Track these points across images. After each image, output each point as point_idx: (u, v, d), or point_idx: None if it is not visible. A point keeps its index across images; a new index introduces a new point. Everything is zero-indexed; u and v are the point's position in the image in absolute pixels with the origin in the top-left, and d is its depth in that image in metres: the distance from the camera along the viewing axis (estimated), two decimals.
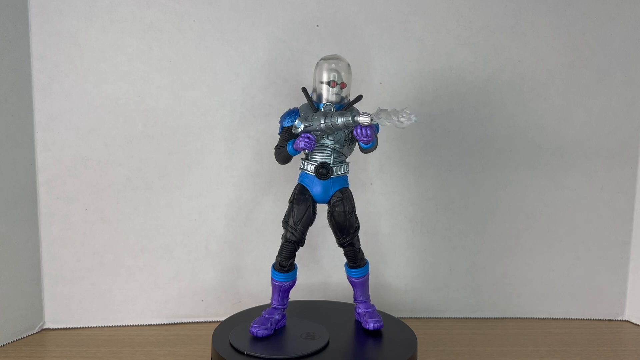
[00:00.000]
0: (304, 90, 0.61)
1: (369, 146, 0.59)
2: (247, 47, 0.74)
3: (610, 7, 0.76)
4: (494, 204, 0.79)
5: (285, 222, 0.61)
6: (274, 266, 0.62)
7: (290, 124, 0.60)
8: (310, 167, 0.60)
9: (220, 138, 0.76)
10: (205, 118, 0.75)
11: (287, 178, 0.76)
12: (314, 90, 0.61)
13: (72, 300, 0.76)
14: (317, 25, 0.75)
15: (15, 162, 0.71)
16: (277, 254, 0.62)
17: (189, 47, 0.74)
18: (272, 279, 0.63)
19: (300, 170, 0.62)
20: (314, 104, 0.60)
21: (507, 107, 0.78)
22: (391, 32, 0.76)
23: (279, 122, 0.62)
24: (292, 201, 0.61)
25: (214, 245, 0.78)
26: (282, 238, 0.62)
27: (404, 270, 0.81)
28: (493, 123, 0.78)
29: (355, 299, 0.66)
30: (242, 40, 0.74)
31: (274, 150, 0.62)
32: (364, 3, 0.75)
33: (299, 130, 0.58)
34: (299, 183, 0.62)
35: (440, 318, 0.81)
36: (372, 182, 0.79)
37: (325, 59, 0.61)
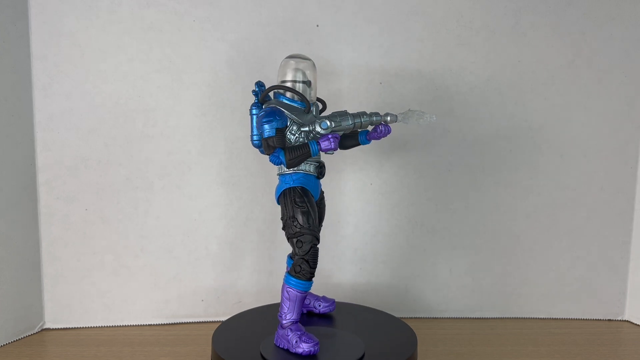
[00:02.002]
0: (295, 90, 0.58)
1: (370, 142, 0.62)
2: (247, 47, 0.74)
3: (610, 7, 0.76)
4: (494, 204, 0.79)
5: (301, 229, 0.57)
6: (296, 278, 0.57)
7: (283, 125, 0.56)
8: (311, 168, 0.59)
9: (220, 138, 0.76)
10: (205, 118, 0.75)
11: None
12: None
13: (72, 300, 0.76)
14: (317, 25, 0.75)
15: (15, 162, 0.71)
16: (297, 264, 0.57)
17: (189, 47, 0.74)
18: (296, 291, 0.57)
19: (285, 172, 0.59)
20: (310, 104, 0.58)
21: (507, 107, 0.78)
22: (391, 32, 0.76)
23: (266, 124, 0.56)
24: (306, 204, 0.58)
25: (214, 245, 0.78)
26: (302, 246, 0.57)
27: (404, 270, 0.81)
28: (493, 123, 0.78)
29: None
30: (242, 40, 0.74)
31: (283, 154, 0.56)
32: (364, 3, 0.75)
33: (328, 130, 0.57)
34: (298, 186, 0.59)
35: (440, 318, 0.81)
36: (372, 182, 0.79)
37: (298, 57, 0.59)
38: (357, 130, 0.61)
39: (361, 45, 0.76)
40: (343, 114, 0.59)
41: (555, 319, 0.82)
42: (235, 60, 0.74)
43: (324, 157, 0.61)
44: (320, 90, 0.75)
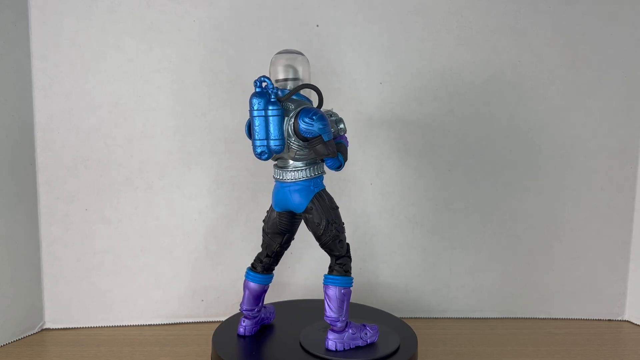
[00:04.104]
0: (318, 90, 0.56)
1: None
2: (247, 47, 0.74)
3: (610, 7, 0.76)
4: (494, 204, 0.79)
5: (341, 228, 0.57)
6: (348, 276, 0.57)
7: None
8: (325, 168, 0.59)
9: (220, 138, 0.76)
10: (205, 118, 0.75)
11: None
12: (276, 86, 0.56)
13: (72, 300, 0.76)
14: (317, 25, 0.75)
15: (15, 162, 0.71)
16: (344, 263, 0.57)
17: (189, 47, 0.74)
18: (346, 289, 0.56)
19: (316, 175, 0.57)
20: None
21: (507, 107, 0.78)
22: (391, 32, 0.76)
23: (327, 126, 0.53)
24: (335, 203, 0.57)
25: (214, 245, 0.78)
26: (343, 245, 0.57)
27: (404, 270, 0.81)
28: (493, 123, 0.78)
29: (260, 308, 0.63)
30: (242, 40, 0.74)
31: (341, 155, 0.56)
32: (364, 3, 0.75)
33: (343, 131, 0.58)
34: (324, 188, 0.58)
35: (440, 318, 0.81)
36: (372, 182, 0.79)
37: (289, 53, 0.57)
38: None
39: (361, 45, 0.76)
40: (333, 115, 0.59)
41: (555, 319, 0.82)
42: (235, 60, 0.74)
43: None
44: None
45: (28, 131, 0.72)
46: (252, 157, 0.76)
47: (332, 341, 0.57)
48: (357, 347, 0.57)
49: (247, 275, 0.63)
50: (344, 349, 0.57)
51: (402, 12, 0.76)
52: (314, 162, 0.57)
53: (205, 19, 0.73)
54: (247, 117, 0.77)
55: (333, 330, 0.57)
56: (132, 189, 0.75)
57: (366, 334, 0.58)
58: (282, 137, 0.54)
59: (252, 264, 0.63)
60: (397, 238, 0.80)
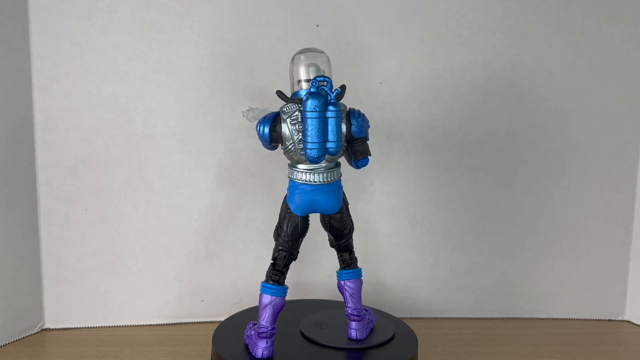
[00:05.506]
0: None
1: None
2: (247, 47, 0.74)
3: (610, 7, 0.76)
4: (494, 204, 0.79)
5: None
6: (358, 266, 0.62)
7: None
8: None
9: (220, 138, 0.76)
10: (205, 118, 0.75)
11: (286, 178, 0.75)
12: (296, 87, 0.56)
13: (72, 300, 0.76)
14: (317, 25, 0.75)
15: (15, 162, 0.71)
16: (355, 256, 0.62)
17: (189, 47, 0.74)
18: (361, 280, 0.62)
19: (341, 174, 0.58)
20: None
21: (507, 107, 0.78)
22: (391, 32, 0.76)
23: (369, 125, 0.56)
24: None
25: (214, 245, 0.78)
26: (352, 242, 0.61)
27: (404, 270, 0.81)
28: (493, 123, 0.78)
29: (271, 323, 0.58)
30: (242, 40, 0.74)
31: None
32: (364, 3, 0.75)
33: None
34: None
35: (440, 318, 0.81)
36: (372, 182, 0.79)
37: (311, 51, 0.56)
38: None
39: (361, 45, 0.76)
40: None
41: (555, 319, 0.82)
42: (235, 60, 0.74)
43: None
44: None
45: (28, 131, 0.72)
46: (252, 157, 0.76)
47: (359, 331, 0.61)
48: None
49: (273, 292, 0.56)
50: (366, 335, 0.61)
51: (402, 12, 0.76)
52: (338, 162, 0.58)
53: (205, 19, 0.73)
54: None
55: (357, 321, 0.60)
56: (132, 189, 0.75)
57: (372, 315, 0.64)
58: (341, 139, 0.53)
59: (272, 279, 0.57)
60: (397, 238, 0.80)
